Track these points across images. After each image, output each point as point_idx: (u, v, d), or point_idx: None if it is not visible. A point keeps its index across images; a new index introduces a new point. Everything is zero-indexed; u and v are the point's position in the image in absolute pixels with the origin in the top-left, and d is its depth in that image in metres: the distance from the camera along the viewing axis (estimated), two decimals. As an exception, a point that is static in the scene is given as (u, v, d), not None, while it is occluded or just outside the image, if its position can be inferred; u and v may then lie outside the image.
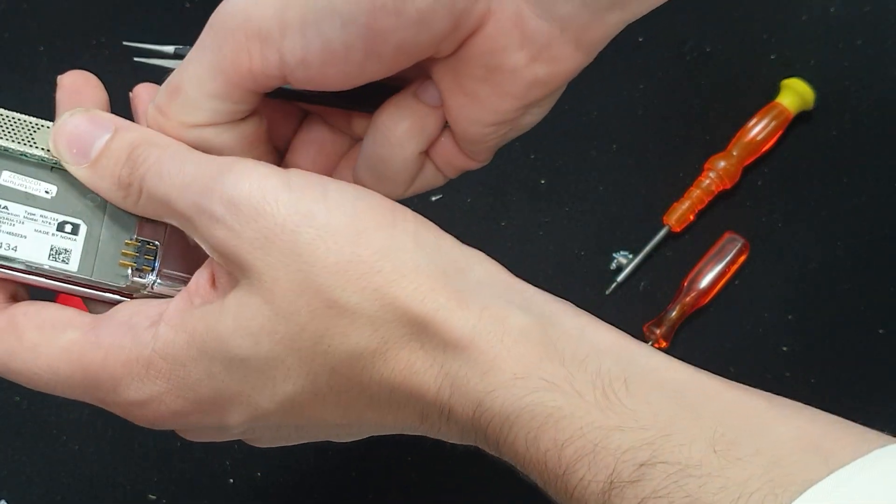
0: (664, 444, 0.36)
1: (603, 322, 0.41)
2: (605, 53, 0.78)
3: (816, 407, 0.68)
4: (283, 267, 0.40)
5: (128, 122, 0.45)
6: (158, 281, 0.45)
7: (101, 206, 0.45)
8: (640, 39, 0.78)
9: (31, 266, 0.44)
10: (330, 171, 0.50)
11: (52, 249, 0.45)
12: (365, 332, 0.40)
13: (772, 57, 0.78)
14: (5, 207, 0.45)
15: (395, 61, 0.42)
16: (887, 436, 0.37)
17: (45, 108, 0.76)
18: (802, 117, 0.75)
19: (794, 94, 0.74)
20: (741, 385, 0.39)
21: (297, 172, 0.42)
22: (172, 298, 0.44)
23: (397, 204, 0.42)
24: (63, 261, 0.45)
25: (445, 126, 0.46)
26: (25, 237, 0.44)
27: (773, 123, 0.74)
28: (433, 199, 0.73)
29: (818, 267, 0.72)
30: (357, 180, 0.47)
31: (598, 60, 0.78)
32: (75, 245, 0.45)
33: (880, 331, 0.70)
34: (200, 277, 0.43)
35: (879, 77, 0.77)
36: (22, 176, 0.45)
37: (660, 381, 0.38)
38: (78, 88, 0.48)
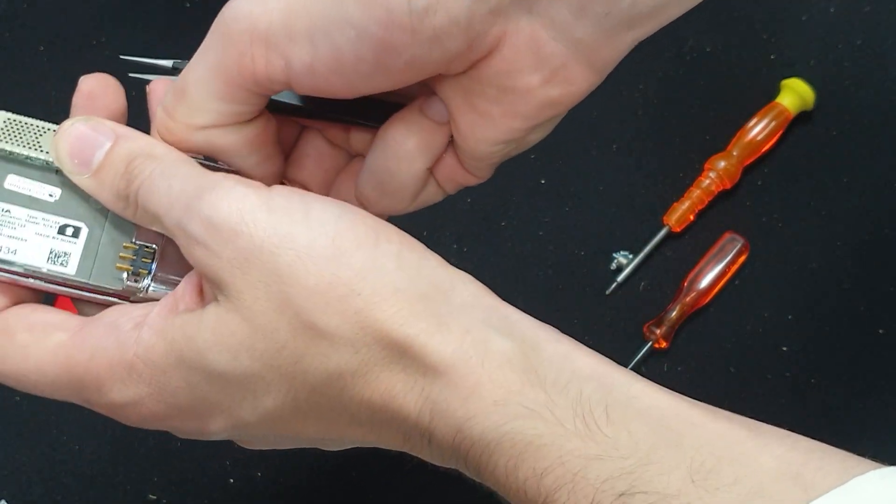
0: (643, 474, 0.36)
1: (585, 347, 0.41)
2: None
3: (816, 408, 0.68)
4: (263, 286, 0.40)
5: (128, 130, 0.45)
6: (153, 285, 0.45)
7: (104, 209, 0.45)
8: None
9: (28, 269, 0.44)
10: (328, 184, 0.50)
11: (51, 253, 0.45)
12: (345, 354, 0.40)
13: (772, 57, 0.78)
14: (7, 211, 0.45)
15: (403, 76, 0.42)
16: (868, 461, 0.37)
17: (46, 108, 0.76)
18: (802, 117, 0.75)
19: (794, 95, 0.74)
20: (724, 412, 0.39)
21: (280, 191, 0.41)
22: (159, 301, 0.44)
23: (381, 222, 0.42)
24: (62, 264, 0.45)
25: (449, 142, 0.46)
26: (26, 240, 0.45)
27: (773, 123, 0.74)
28: (433, 199, 0.73)
29: (818, 267, 0.72)
30: (360, 195, 0.48)
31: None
32: (75, 248, 0.45)
33: (880, 331, 0.70)
34: (188, 283, 0.43)
35: (879, 77, 0.77)
36: (27, 179, 0.45)
37: (641, 409, 0.38)
38: (95, 94, 0.48)
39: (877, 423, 0.67)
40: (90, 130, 0.45)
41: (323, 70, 0.42)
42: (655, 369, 0.68)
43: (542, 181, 0.74)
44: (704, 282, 0.70)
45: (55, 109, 0.76)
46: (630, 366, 0.68)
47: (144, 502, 0.65)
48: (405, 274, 0.40)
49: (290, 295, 0.39)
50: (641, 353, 0.68)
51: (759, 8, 0.80)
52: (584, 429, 0.37)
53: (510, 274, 0.71)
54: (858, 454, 0.69)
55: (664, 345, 0.69)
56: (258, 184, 0.42)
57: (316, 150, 0.50)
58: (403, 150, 0.46)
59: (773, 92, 0.75)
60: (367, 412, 0.41)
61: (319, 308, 0.39)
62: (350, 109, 0.46)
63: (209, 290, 0.42)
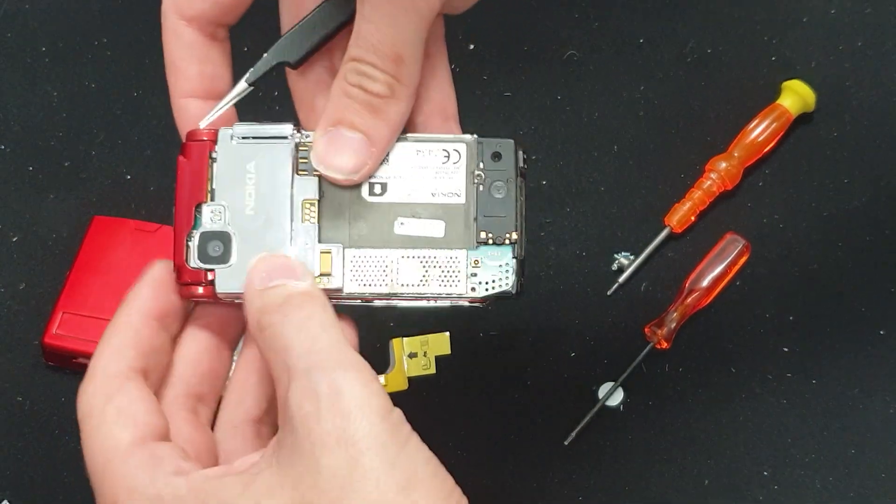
0: None
1: None
2: (606, 54, 0.79)
3: (816, 409, 0.68)
4: (331, 479, 0.40)
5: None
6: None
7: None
8: (641, 41, 0.78)
9: None
10: None
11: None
12: None
13: (773, 58, 0.78)
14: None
15: None
16: None
17: (47, 107, 0.76)
18: (803, 119, 0.75)
19: (795, 96, 0.74)
20: None
21: (400, 413, 0.41)
22: (213, 468, 0.43)
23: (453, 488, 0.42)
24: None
25: None
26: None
27: (773, 125, 0.74)
28: (434, 199, 0.74)
29: (819, 267, 0.72)
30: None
31: (598, 61, 0.78)
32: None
33: (880, 331, 0.70)
34: (254, 439, 0.45)
35: (880, 78, 0.77)
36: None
37: None
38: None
39: (878, 423, 0.67)
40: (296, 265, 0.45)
41: None
42: (656, 370, 0.68)
43: (544, 182, 0.74)
44: (705, 282, 0.70)
45: (56, 109, 0.76)
46: (631, 367, 0.68)
47: (146, 502, 0.65)
48: None
49: (341, 499, 0.39)
50: (643, 354, 0.68)
51: (759, 9, 0.80)
52: None
53: (511, 274, 0.71)
54: (860, 455, 0.69)
55: (665, 346, 0.69)
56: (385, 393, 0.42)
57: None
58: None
59: (774, 93, 0.75)
60: None
61: None
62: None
63: (271, 452, 0.42)
